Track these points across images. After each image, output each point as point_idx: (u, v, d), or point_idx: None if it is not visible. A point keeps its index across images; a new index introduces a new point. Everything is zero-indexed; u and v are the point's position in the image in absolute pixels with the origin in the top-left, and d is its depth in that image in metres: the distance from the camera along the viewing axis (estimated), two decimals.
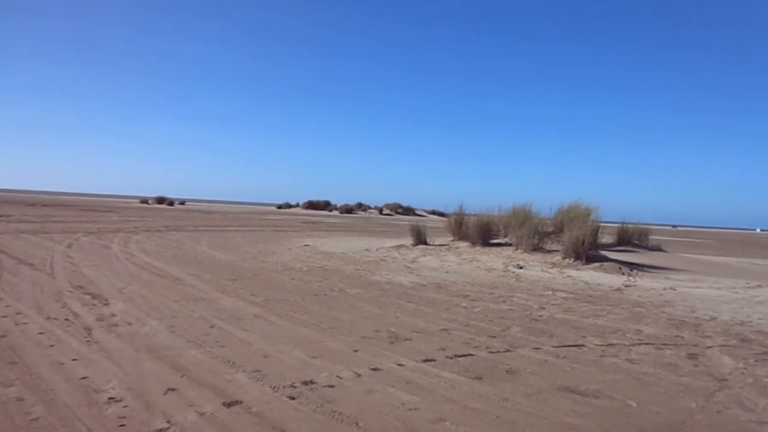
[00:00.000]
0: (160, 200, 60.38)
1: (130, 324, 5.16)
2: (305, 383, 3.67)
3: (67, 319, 5.21)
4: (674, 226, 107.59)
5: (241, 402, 3.28)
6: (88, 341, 4.49)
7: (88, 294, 6.54)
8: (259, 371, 3.89)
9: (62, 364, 3.88)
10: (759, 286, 10.06)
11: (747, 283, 10.30)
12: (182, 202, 67.16)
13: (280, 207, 67.57)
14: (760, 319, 6.73)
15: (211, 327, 5.19)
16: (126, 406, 3.15)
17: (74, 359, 3.99)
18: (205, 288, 7.44)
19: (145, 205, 56.03)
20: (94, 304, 5.96)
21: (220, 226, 24.57)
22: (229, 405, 3.23)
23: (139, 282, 7.66)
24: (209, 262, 10.58)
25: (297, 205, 66.26)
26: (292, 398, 3.39)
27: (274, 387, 3.57)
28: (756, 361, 4.72)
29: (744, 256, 21.04)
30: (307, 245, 15.60)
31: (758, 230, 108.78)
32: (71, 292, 6.65)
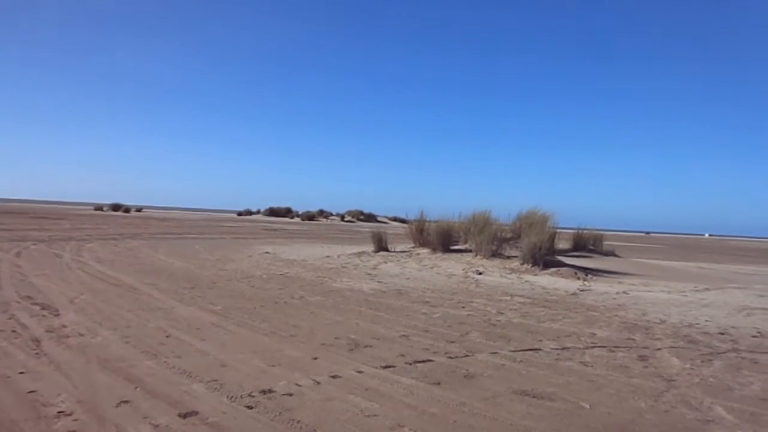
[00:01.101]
0: (116, 207, 58.76)
1: (81, 335, 5.01)
2: (263, 392, 3.64)
3: (14, 331, 5.02)
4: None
5: (197, 413, 3.23)
6: (36, 353, 4.34)
7: (37, 304, 6.32)
8: (216, 381, 3.84)
9: (8, 377, 3.74)
10: (706, 289, 10.46)
11: (695, 287, 10.70)
12: (139, 209, 65.53)
13: (240, 214, 66.66)
14: (706, 321, 7.00)
15: (167, 337, 5.09)
16: (76, 420, 3.06)
17: (21, 372, 3.85)
18: (161, 297, 7.29)
19: (99, 212, 54.42)
20: (43, 315, 5.76)
21: (178, 233, 24.09)
22: (184, 416, 3.18)
23: (92, 291, 7.45)
24: (166, 270, 10.36)
25: (258, 212, 65.52)
26: (250, 407, 3.35)
27: (232, 397, 3.53)
28: (702, 361, 4.91)
29: (693, 261, 21.85)
30: (267, 252, 15.44)
31: (707, 235, 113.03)
32: (19, 302, 6.41)
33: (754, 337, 6.09)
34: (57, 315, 5.82)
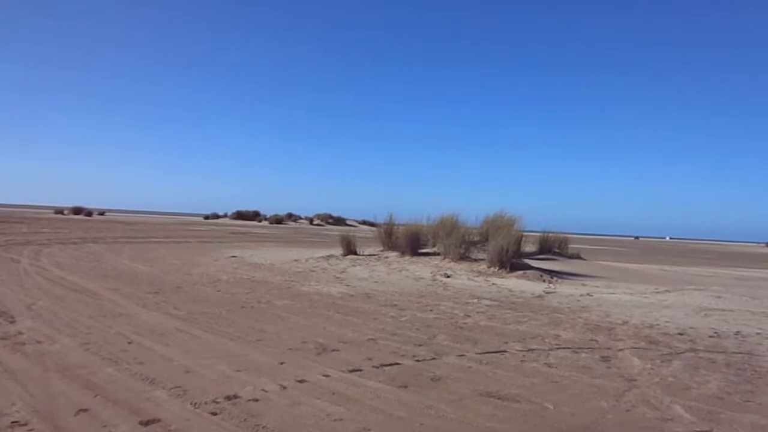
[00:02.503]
0: (77, 210, 57.16)
1: (39, 342, 4.85)
2: (228, 398, 3.58)
3: None
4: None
5: (159, 420, 3.16)
6: None
7: None
8: (179, 387, 3.77)
9: None
10: (666, 291, 10.75)
11: (656, 289, 10.98)
12: (102, 213, 63.92)
13: (207, 218, 65.64)
14: (666, 321, 7.19)
15: (129, 343, 4.97)
16: (31, 430, 2.96)
17: None
18: (124, 302, 7.12)
19: (60, 215, 52.90)
20: None
21: (142, 237, 23.59)
22: (146, 424, 3.10)
23: (51, 297, 7.23)
24: (130, 275, 10.13)
25: (225, 216, 64.64)
26: (214, 414, 3.30)
27: (195, 403, 3.46)
28: (662, 361, 5.03)
29: (654, 263, 22.42)
30: (234, 256, 15.25)
31: (667, 238, 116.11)
32: None
33: (711, 337, 6.28)
34: (13, 322, 5.63)
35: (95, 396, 3.53)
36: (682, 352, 5.43)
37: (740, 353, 5.49)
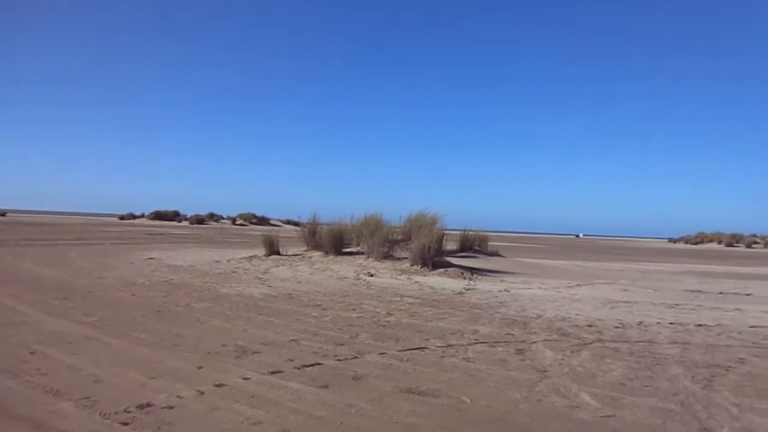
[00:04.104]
0: None
1: None
2: (141, 407, 3.44)
3: None
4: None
5: None
6: None
7: None
8: (87, 398, 3.58)
9: None
10: (578, 285, 11.34)
11: (568, 283, 11.56)
12: (2, 213, 59.47)
13: (123, 218, 62.54)
14: (577, 314, 7.58)
15: (32, 353, 4.67)
16: None
17: None
18: (26, 310, 6.67)
19: None
20: None
21: (50, 239, 22.17)
22: None
23: None
24: (34, 280, 9.51)
25: (143, 216, 61.86)
26: (125, 424, 3.16)
27: (105, 414, 3.31)
28: (572, 352, 5.31)
29: (567, 259, 23.59)
30: (151, 258, 14.64)
31: (581, 235, 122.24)
32: None
33: (616, 327, 6.69)
34: None
35: None
36: (590, 343, 5.75)
37: (642, 342, 5.88)
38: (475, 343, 5.60)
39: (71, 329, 5.69)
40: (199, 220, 59.56)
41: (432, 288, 10.03)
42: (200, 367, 4.41)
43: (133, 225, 48.91)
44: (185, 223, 57.17)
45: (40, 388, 3.76)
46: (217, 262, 13.89)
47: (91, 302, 7.41)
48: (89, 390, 3.75)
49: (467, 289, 9.98)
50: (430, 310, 7.58)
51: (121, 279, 10.04)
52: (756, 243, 59.10)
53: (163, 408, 3.44)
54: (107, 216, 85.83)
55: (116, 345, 5.10)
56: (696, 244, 64.22)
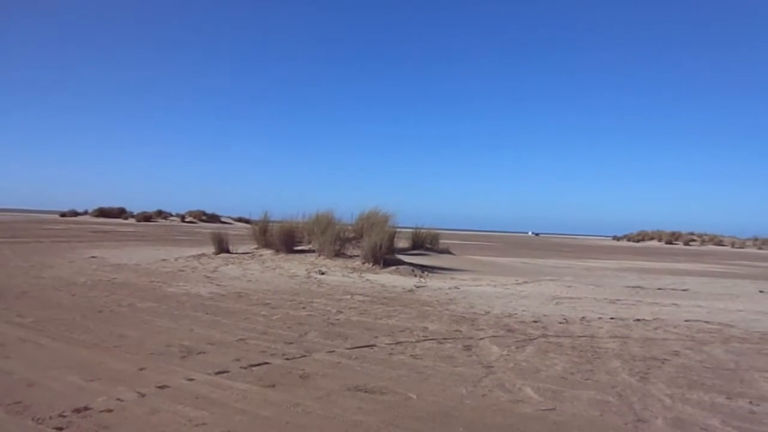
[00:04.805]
0: None
1: None
2: (77, 411, 3.32)
3: None
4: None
5: None
6: None
7: None
8: (19, 403, 3.42)
9: None
10: (525, 282, 11.61)
11: (516, 280, 11.82)
12: None
13: (64, 215, 60.08)
14: (523, 311, 7.76)
15: None
16: None
17: None
18: None
19: None
20: None
21: None
22: None
23: None
24: None
25: (86, 213, 59.60)
26: (60, 429, 3.04)
27: (38, 419, 3.17)
28: (517, 347, 5.43)
29: (517, 256, 24.12)
30: (94, 257, 14.13)
31: (530, 233, 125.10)
32: None
33: (560, 323, 6.88)
34: None
35: None
36: (535, 338, 5.90)
37: (584, 336, 6.08)
38: (424, 340, 5.65)
39: (3, 331, 5.43)
40: (147, 218, 57.80)
41: (383, 286, 10.07)
42: (142, 369, 4.28)
43: (75, 222, 47.09)
44: (132, 221, 55.41)
45: None
46: (164, 260, 13.53)
47: (27, 302, 7.10)
48: (22, 395, 3.59)
49: (418, 287, 10.07)
50: (381, 308, 7.60)
51: (60, 278, 9.64)
52: (693, 240, 62.11)
53: (102, 411, 3.32)
54: (47, 213, 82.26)
55: (53, 347, 4.89)
56: (638, 241, 66.89)
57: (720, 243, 59.99)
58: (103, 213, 57.87)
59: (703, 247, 56.46)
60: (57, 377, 4.00)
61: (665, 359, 5.11)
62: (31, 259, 12.97)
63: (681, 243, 61.55)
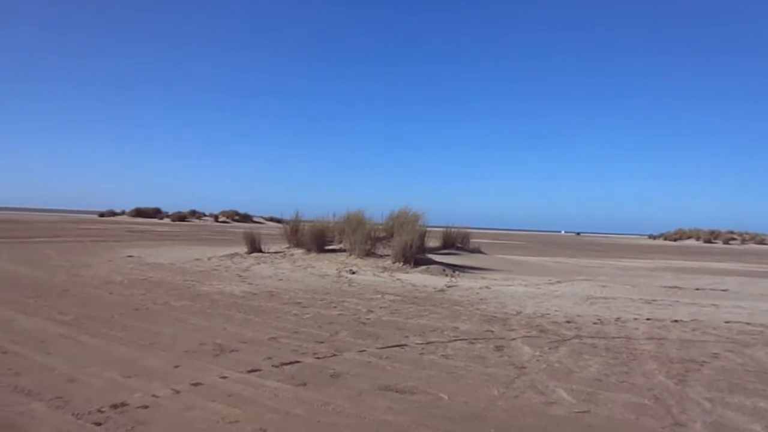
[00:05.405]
0: None
1: None
2: (115, 406, 3.40)
3: None
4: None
5: None
6: None
7: None
8: (60, 398, 3.52)
9: None
10: (558, 281, 11.44)
11: (548, 280, 11.65)
12: None
13: (102, 215, 61.74)
14: (556, 311, 7.65)
15: (3, 353, 4.58)
16: None
17: None
18: None
19: None
20: None
21: (25, 237, 21.81)
22: None
23: None
24: (7, 278, 9.34)
25: (123, 213, 61.10)
26: (98, 424, 3.12)
27: (78, 414, 3.26)
28: (549, 348, 5.35)
29: (549, 256, 23.79)
30: (131, 256, 14.46)
31: (563, 232, 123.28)
32: None
33: (594, 324, 6.76)
34: None
35: None
36: (568, 339, 5.80)
37: (619, 338, 5.95)
38: (455, 340, 5.61)
39: (45, 328, 5.60)
40: (181, 218, 58.97)
41: (413, 285, 10.04)
42: (177, 366, 4.36)
43: (113, 222, 48.32)
44: (167, 221, 56.58)
45: (11, 388, 3.69)
46: (197, 259, 13.77)
47: (67, 300, 7.30)
48: (62, 390, 3.69)
49: (448, 286, 10.01)
50: (411, 308, 7.58)
51: (98, 277, 9.90)
52: (733, 239, 60.26)
53: (138, 407, 3.40)
54: (87, 213, 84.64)
55: (92, 344, 5.02)
56: (675, 240, 65.21)
57: (762, 242, 58.09)
58: (139, 213, 59.25)
59: (743, 246, 54.70)
60: (95, 373, 4.10)
61: (704, 362, 4.97)
62: (71, 258, 13.35)
63: (720, 242, 59.79)
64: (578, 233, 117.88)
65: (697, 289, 10.93)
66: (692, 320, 7.14)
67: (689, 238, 64.50)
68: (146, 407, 3.41)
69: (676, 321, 7.05)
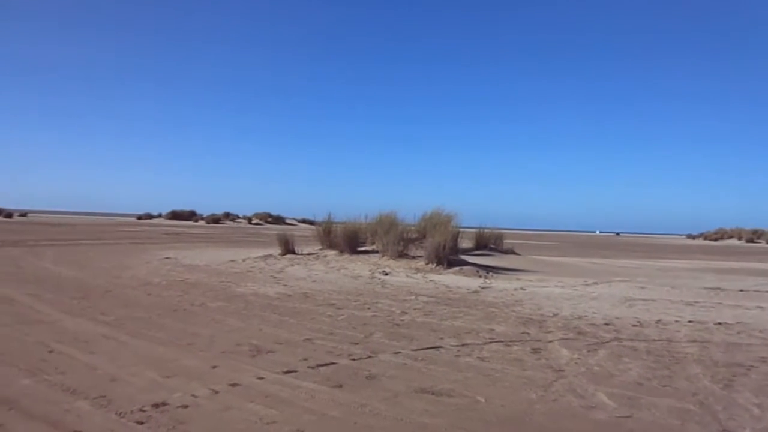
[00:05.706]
0: None
1: None
2: (156, 405, 3.46)
3: None
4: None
5: None
6: None
7: None
8: (104, 397, 3.61)
9: None
10: (595, 283, 11.21)
11: (585, 281, 11.44)
12: (23, 214, 60.43)
13: (140, 218, 63.37)
14: (594, 313, 7.50)
15: (50, 352, 4.72)
16: None
17: None
18: (44, 309, 6.76)
19: None
20: None
21: (69, 239, 22.49)
22: None
23: None
24: (53, 279, 9.63)
25: (159, 216, 62.57)
26: (140, 423, 3.18)
27: (120, 413, 3.33)
28: (588, 351, 5.24)
29: (584, 256, 23.37)
30: (168, 258, 14.77)
31: (597, 232, 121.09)
32: None
33: (634, 326, 6.60)
34: None
35: (9, 410, 3.33)
36: (607, 342, 5.68)
37: (660, 340, 5.79)
38: (491, 342, 5.55)
39: (89, 328, 5.75)
40: (215, 220, 60.11)
41: (447, 286, 9.99)
42: (215, 367, 4.42)
43: (150, 225, 49.45)
44: (201, 223, 57.72)
45: (57, 386, 3.80)
46: (232, 261, 13.97)
47: (109, 301, 7.49)
48: (105, 389, 3.78)
49: (482, 288, 9.92)
50: (445, 309, 7.54)
51: (137, 278, 10.13)
52: None
53: (178, 407, 3.45)
54: (125, 216, 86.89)
55: (132, 344, 5.14)
56: (716, 240, 63.30)
57: None
58: (175, 215, 60.59)
59: None
60: (136, 373, 4.19)
61: (751, 366, 4.79)
62: (111, 260, 13.71)
63: (764, 241, 57.76)
64: (617, 233, 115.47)
65: (741, 291, 10.57)
66: (737, 323, 6.91)
67: (730, 237, 62.50)
68: (186, 407, 3.46)
69: (719, 323, 6.83)
